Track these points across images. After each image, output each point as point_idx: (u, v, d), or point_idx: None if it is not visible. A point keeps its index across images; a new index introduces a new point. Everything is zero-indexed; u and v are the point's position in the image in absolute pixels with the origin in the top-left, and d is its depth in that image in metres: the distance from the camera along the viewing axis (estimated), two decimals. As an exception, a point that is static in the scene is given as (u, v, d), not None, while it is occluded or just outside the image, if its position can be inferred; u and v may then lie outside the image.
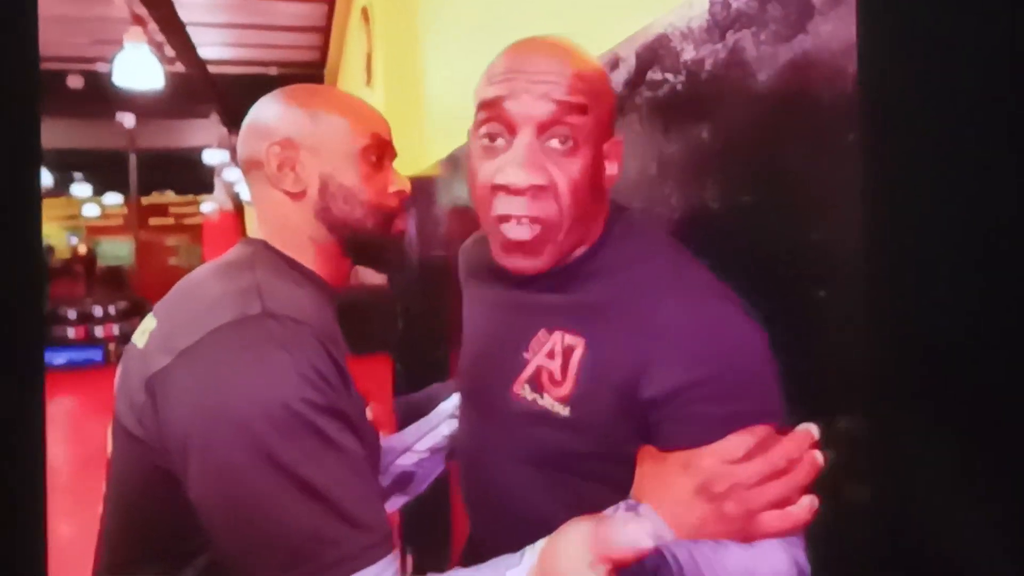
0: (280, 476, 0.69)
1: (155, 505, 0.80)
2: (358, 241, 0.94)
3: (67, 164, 10.95)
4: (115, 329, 9.29)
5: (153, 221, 10.90)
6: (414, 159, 2.99)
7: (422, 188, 2.91)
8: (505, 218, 0.80)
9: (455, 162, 2.33)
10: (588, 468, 0.78)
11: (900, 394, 0.68)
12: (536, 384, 0.83)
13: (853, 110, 0.71)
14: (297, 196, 0.92)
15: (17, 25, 0.40)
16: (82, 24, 7.00)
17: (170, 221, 10.97)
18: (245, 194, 10.36)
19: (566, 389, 0.80)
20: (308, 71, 8.48)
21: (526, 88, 0.78)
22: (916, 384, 0.68)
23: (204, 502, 0.74)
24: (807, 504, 0.69)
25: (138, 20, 5.95)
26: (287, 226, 0.92)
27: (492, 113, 0.80)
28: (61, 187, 11.31)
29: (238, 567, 0.73)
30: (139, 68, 5.87)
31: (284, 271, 0.89)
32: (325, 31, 7.14)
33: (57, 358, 9.14)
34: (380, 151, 0.94)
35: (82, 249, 11.42)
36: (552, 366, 0.82)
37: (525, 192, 0.78)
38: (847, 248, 0.73)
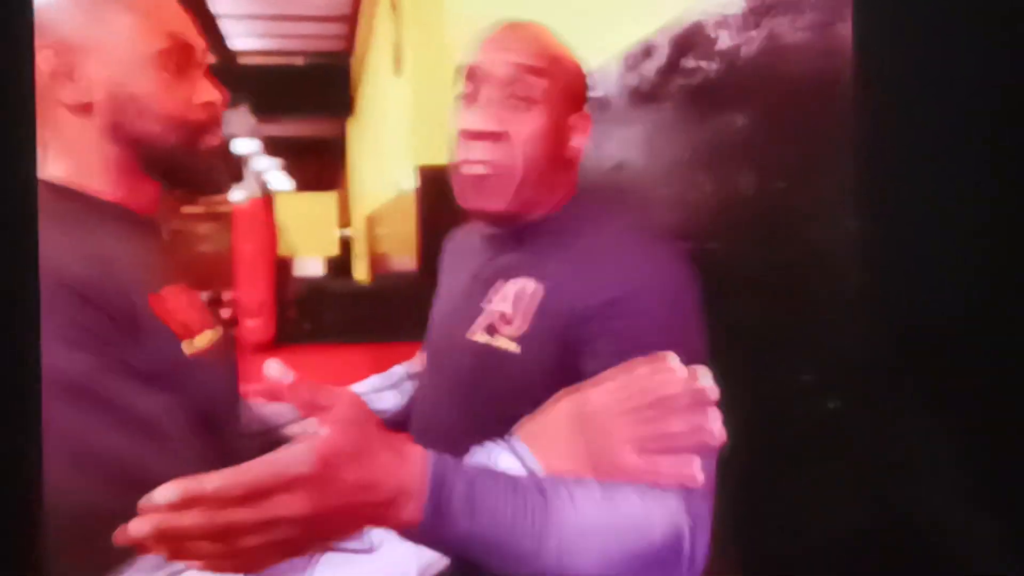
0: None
1: None
2: (160, 160, 0.81)
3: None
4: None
5: (185, 209, 11.04)
6: (444, 146, 3.03)
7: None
8: (464, 161, 0.90)
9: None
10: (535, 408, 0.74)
11: (896, 383, 0.69)
12: (490, 328, 0.90)
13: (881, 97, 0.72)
14: (80, 110, 0.77)
15: (13, 20, 0.39)
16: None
17: (201, 209, 11.12)
18: (275, 182, 10.48)
19: (517, 328, 0.87)
20: (335, 60, 8.54)
21: (493, 54, 0.90)
22: (912, 374, 0.68)
23: None
24: (693, 464, 0.65)
25: (169, 11, 6.05)
26: (72, 148, 0.78)
27: (467, 76, 0.92)
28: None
29: None
30: (171, 59, 5.96)
31: (53, 207, 0.76)
32: (352, 20, 7.18)
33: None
34: (182, 55, 0.80)
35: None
36: (506, 308, 0.89)
37: (482, 136, 0.89)
38: (881, 236, 0.74)
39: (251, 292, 9.20)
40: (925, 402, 0.70)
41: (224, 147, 0.88)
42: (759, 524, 0.96)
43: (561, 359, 0.81)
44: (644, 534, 0.64)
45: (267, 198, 9.70)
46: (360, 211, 7.62)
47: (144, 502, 0.49)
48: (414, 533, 0.58)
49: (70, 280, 0.66)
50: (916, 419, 0.69)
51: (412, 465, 0.58)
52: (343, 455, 0.54)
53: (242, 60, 7.60)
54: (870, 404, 0.72)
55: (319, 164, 11.60)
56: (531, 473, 0.66)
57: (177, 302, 0.76)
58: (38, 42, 0.74)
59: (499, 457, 0.67)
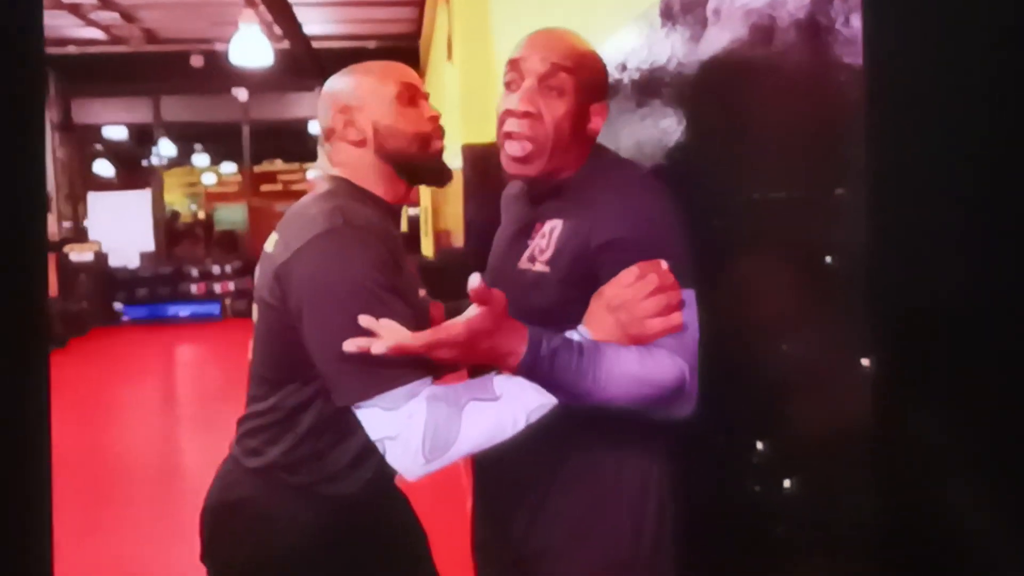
0: (355, 324, 1.06)
1: (283, 345, 1.20)
2: (407, 165, 1.29)
3: (188, 136, 11.71)
4: (231, 286, 10.05)
5: (264, 188, 11.55)
6: (486, 128, 3.31)
7: (493, 153, 3.22)
8: (508, 135, 1.19)
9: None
10: (564, 315, 1.12)
11: (905, 374, 0.77)
12: (531, 258, 1.23)
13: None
14: (360, 143, 1.27)
15: (21, 14, 0.41)
16: (202, 8, 7.57)
17: (279, 187, 11.59)
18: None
19: (547, 254, 1.20)
20: (404, 43, 8.83)
21: (532, 52, 1.19)
22: (920, 362, 0.77)
23: (311, 340, 1.13)
24: (676, 317, 1.06)
25: (250, 2, 6.45)
26: (357, 165, 1.29)
27: (511, 68, 1.21)
28: (183, 157, 12.09)
29: (331, 382, 1.12)
30: (252, 47, 6.36)
31: (357, 196, 1.26)
32: (420, 4, 7.44)
33: (182, 311, 10.00)
34: (410, 92, 1.29)
35: (201, 214, 12.26)
36: (542, 243, 1.22)
37: (521, 116, 1.17)
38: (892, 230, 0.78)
39: (325, 265, 9.61)
40: (935, 403, 0.77)
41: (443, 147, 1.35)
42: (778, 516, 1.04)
43: (578, 275, 1.15)
44: (661, 376, 1.05)
45: (341, 176, 10.11)
46: (427, 190, 7.96)
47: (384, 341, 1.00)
48: (517, 372, 1.03)
49: (379, 233, 1.17)
50: (928, 419, 0.76)
51: (519, 336, 1.02)
52: (482, 331, 0.99)
53: (317, 45, 7.98)
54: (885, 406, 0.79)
55: (390, 144, 11.90)
56: (590, 342, 1.07)
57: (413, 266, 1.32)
58: (333, 108, 1.28)
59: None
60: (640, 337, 1.06)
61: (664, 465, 1.22)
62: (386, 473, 1.26)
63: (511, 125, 1.18)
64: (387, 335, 1.01)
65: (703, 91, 1.20)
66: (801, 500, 0.96)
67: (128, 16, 7.88)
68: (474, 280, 0.96)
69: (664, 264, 1.07)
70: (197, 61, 8.88)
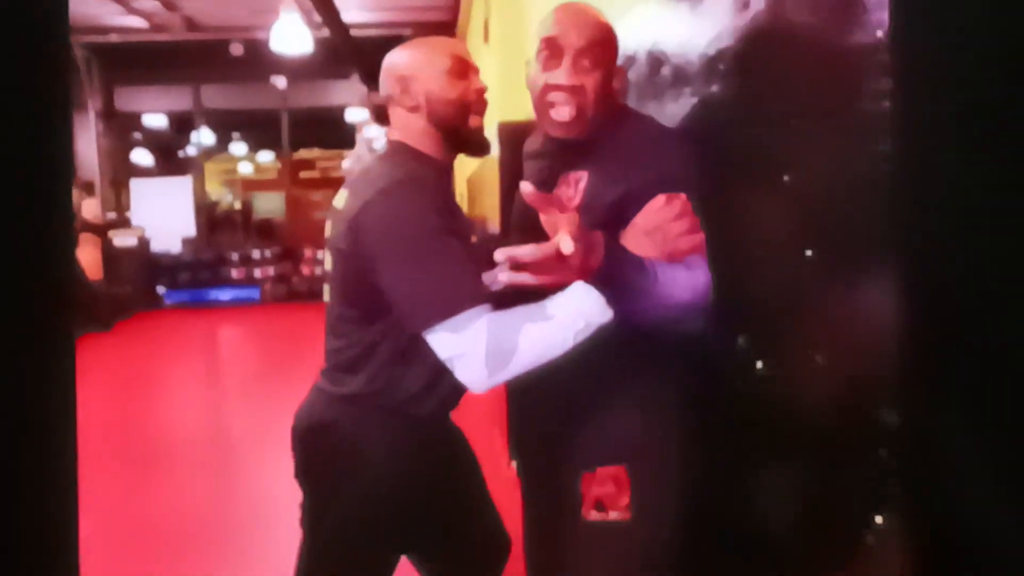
0: (421, 260, 1.25)
1: (358, 286, 1.37)
2: (452, 131, 1.44)
3: (227, 124, 11.88)
4: (270, 271, 10.24)
5: (302, 175, 11.68)
6: (521, 107, 3.34)
7: (530, 131, 3.26)
8: (552, 104, 1.32)
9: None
10: None
11: (938, 381, 0.77)
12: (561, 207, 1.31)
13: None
14: (414, 109, 1.44)
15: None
16: (242, -5, 7.68)
17: (317, 175, 11.72)
18: (381, 144, 10.83)
19: (574, 204, 1.29)
20: (440, 31, 8.90)
21: (568, 31, 1.31)
22: (953, 371, 0.77)
23: (384, 278, 1.30)
24: (700, 236, 1.21)
25: (290, -10, 6.52)
26: (411, 129, 1.46)
27: (549, 46, 1.32)
28: (221, 146, 12.26)
29: (403, 313, 1.30)
30: (291, 34, 6.44)
31: (412, 156, 1.44)
32: (456, -8, 7.49)
33: (223, 295, 10.20)
34: (461, 66, 1.44)
35: (237, 204, 12.43)
36: (568, 192, 1.32)
37: (567, 89, 1.30)
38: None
39: (362, 252, 9.74)
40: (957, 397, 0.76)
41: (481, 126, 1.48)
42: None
43: (608, 215, 1.25)
44: (702, 283, 1.18)
45: (376, 164, 10.20)
46: (463, 175, 7.99)
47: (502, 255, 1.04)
48: (598, 274, 1.11)
49: (435, 185, 1.36)
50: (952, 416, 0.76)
51: (600, 237, 1.11)
52: (582, 238, 1.06)
53: (355, 33, 8.06)
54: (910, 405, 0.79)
55: (426, 131, 11.97)
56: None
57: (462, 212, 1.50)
58: (391, 77, 1.45)
59: None
60: (674, 254, 1.20)
61: (669, 374, 1.38)
62: (451, 399, 1.48)
63: (558, 98, 1.31)
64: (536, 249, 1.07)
65: (735, 68, 1.24)
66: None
67: (169, 4, 8.02)
68: (526, 187, 1.04)
69: (683, 196, 1.21)
70: (237, 49, 9.01)
